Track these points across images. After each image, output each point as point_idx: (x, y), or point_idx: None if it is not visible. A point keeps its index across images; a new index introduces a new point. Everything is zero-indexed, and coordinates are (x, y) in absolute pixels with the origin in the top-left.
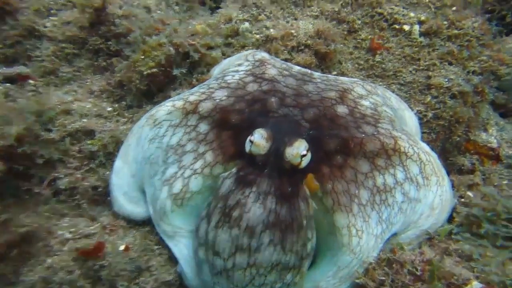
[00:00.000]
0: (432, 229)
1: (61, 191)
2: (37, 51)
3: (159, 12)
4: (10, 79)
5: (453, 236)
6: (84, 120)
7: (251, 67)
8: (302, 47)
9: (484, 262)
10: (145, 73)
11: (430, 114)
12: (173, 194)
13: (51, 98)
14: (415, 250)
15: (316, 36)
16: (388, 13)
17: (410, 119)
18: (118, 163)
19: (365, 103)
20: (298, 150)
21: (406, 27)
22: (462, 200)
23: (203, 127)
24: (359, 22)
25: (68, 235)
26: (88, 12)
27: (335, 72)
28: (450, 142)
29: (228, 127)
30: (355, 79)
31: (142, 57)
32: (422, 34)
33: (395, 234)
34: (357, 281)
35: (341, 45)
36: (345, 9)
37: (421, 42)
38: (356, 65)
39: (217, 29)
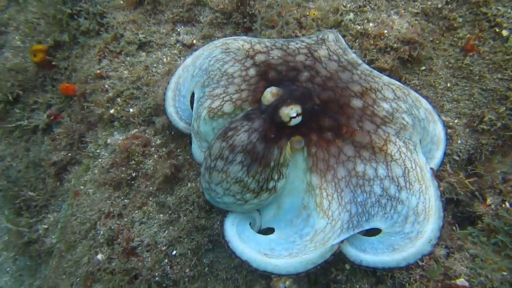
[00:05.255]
0: (418, 238)
1: None
2: (201, 17)
3: None
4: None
5: (470, 238)
6: None
7: (313, 43)
8: (389, 49)
9: (481, 266)
10: None
11: (499, 124)
12: (211, 108)
13: None
14: None
15: (405, 40)
16: (492, 14)
17: (433, 131)
18: (188, 60)
19: (385, 105)
20: (290, 111)
21: (505, 33)
22: (500, 207)
23: (252, 71)
24: (461, 20)
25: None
26: None
27: (423, 67)
28: None
29: (265, 79)
30: (394, 81)
31: None
32: None
33: (376, 229)
34: None
35: (432, 48)
36: (450, 6)
37: None
38: (447, 63)
39: (324, 19)
